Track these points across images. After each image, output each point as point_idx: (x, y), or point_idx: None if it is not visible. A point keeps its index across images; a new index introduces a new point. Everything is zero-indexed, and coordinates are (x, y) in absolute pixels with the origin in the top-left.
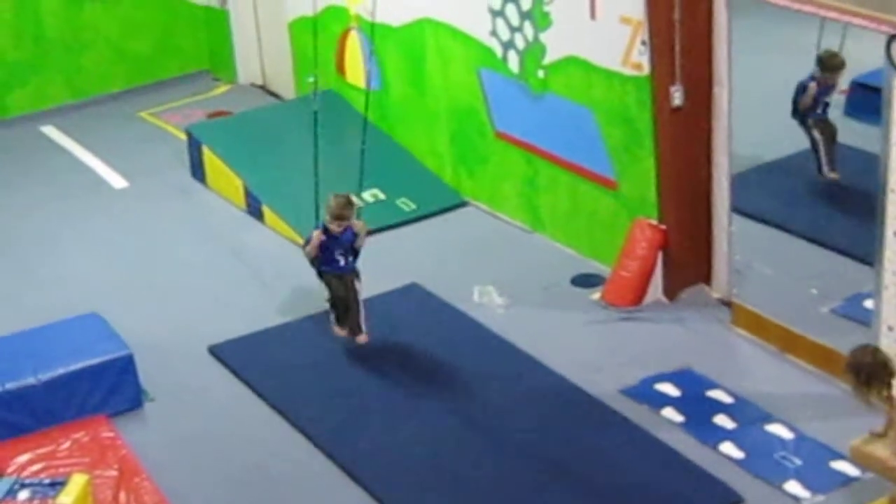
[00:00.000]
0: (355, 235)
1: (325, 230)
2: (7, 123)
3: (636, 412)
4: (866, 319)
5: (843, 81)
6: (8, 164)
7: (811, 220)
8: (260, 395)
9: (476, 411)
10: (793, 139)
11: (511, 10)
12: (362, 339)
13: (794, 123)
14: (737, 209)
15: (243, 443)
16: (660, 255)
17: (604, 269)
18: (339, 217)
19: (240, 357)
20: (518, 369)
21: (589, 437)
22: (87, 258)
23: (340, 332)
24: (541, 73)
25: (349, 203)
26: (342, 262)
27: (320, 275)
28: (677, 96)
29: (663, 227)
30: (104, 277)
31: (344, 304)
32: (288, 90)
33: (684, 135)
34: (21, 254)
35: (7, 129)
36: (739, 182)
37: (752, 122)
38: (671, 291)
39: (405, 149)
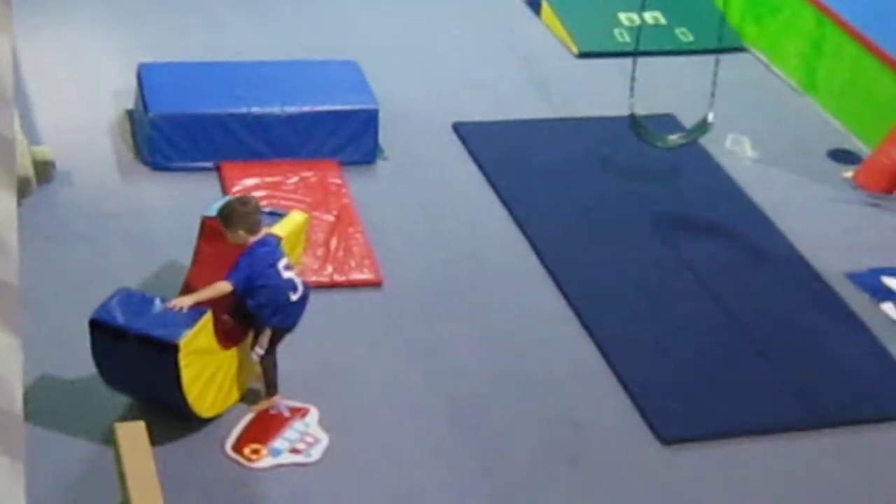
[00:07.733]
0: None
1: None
2: None
3: (856, 299)
4: None
5: None
6: None
7: None
8: (491, 183)
9: (698, 261)
10: None
11: None
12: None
13: None
14: None
15: (461, 225)
16: None
17: (865, 149)
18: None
19: (481, 140)
20: (750, 226)
21: (802, 314)
22: (365, 10)
23: None
24: None
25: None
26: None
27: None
28: None
29: None
30: (373, 33)
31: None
32: None
33: None
34: None
35: None
36: None
37: None
38: None
39: None
